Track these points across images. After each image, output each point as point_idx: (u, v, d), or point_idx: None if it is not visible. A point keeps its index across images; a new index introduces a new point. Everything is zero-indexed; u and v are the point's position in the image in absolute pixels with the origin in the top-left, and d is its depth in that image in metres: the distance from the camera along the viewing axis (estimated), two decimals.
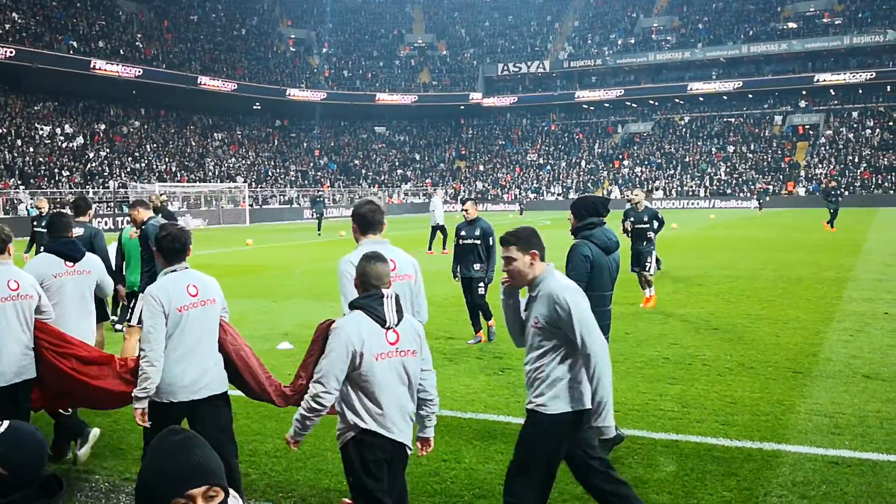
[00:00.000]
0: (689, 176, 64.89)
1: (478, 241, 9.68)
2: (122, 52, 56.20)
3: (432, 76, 78.71)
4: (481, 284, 9.70)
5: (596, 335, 3.81)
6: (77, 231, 7.69)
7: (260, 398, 4.67)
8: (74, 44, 53.00)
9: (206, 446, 1.84)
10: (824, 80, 64.92)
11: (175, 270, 4.43)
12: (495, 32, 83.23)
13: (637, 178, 66.01)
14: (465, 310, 9.99)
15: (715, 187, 62.41)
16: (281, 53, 74.76)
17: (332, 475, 5.26)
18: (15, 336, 4.77)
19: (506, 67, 77.01)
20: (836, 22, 67.54)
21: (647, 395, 7.14)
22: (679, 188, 63.72)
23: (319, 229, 34.21)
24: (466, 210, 9.93)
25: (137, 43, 59.18)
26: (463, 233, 9.84)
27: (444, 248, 22.37)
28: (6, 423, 2.06)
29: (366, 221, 4.51)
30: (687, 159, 67.01)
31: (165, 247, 4.43)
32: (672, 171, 66.16)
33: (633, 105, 74.31)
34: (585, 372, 3.85)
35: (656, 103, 73.45)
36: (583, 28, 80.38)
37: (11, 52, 48.00)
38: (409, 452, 3.85)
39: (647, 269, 12.20)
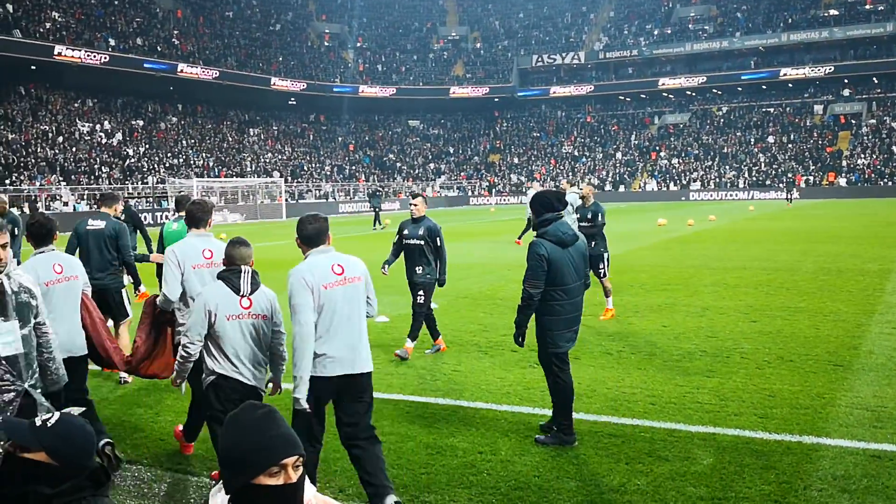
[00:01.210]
0: (727, 167, 63.99)
1: (421, 242, 8.55)
2: (159, 49, 57.00)
3: (466, 69, 78.57)
4: (421, 292, 8.57)
5: (300, 318, 4.34)
6: (98, 224, 7.82)
7: (107, 365, 5.62)
8: (112, 41, 53.84)
9: (285, 419, 1.98)
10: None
11: (43, 252, 5.35)
12: (530, 24, 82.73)
13: (674, 170, 65.34)
14: (499, 303, 9.95)
15: (754, 178, 61.48)
16: (316, 48, 75.19)
17: None
18: None
19: (540, 59, 76.44)
20: (879, 8, 66.00)
21: (685, 387, 7.10)
22: (717, 179, 62.90)
23: (375, 223, 32.77)
24: (415, 205, 8.65)
25: (174, 40, 59.94)
26: (406, 232, 8.67)
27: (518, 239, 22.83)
28: (56, 414, 2.10)
29: (193, 218, 5.54)
30: (725, 150, 66.07)
31: (35, 232, 5.36)
32: (710, 163, 65.31)
33: (670, 96, 73.44)
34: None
35: (694, 94, 72.48)
36: (618, 19, 79.59)
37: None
38: (262, 395, 4.69)
39: (601, 274, 10.51)
